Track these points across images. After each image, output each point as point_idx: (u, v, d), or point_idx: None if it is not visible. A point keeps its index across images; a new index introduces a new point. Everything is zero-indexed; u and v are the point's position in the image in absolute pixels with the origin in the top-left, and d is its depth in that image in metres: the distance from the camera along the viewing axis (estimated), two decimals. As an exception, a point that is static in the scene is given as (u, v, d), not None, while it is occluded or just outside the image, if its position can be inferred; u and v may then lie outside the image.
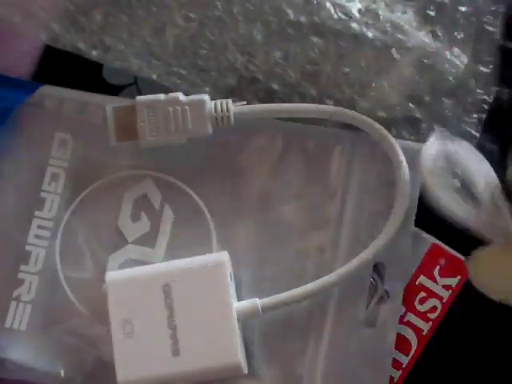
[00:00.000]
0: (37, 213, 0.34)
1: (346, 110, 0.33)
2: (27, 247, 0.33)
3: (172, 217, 0.34)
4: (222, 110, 0.32)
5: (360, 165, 0.33)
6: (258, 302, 0.31)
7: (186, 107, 0.32)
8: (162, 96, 0.32)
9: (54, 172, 0.34)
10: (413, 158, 0.33)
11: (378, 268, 0.33)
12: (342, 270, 0.32)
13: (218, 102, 0.32)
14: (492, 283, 0.32)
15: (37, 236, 0.33)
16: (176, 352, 0.30)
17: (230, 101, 0.32)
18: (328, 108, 0.33)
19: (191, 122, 0.32)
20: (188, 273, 0.31)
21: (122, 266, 0.33)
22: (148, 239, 0.33)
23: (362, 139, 0.33)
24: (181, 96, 0.32)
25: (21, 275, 0.33)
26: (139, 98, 0.32)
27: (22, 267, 0.33)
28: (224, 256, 0.32)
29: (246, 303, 0.31)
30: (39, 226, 0.33)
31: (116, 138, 0.32)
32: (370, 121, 0.33)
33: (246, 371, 0.31)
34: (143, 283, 0.31)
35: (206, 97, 0.32)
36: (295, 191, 0.33)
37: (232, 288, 0.31)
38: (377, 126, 0.33)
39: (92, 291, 0.33)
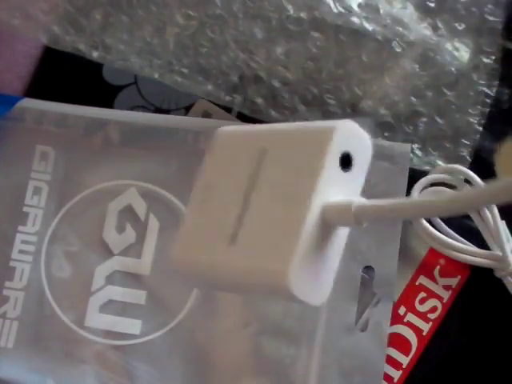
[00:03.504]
0: (20, 227, 0.33)
1: None
2: (11, 263, 0.33)
3: (158, 227, 0.33)
4: None
5: None
6: (353, 202, 0.21)
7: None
8: None
9: (36, 185, 0.33)
10: (401, 159, 0.33)
11: (367, 272, 0.33)
12: None
13: None
14: None
15: (21, 251, 0.33)
16: (234, 238, 0.22)
17: None
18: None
19: None
20: (290, 139, 0.22)
21: (109, 278, 0.33)
22: (134, 250, 0.33)
23: None
24: None
25: (6, 292, 0.33)
26: None
27: (7, 284, 0.33)
28: (339, 125, 0.21)
29: (338, 201, 0.21)
30: (23, 241, 0.33)
31: None
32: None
33: (307, 299, 0.20)
34: (243, 143, 0.24)
35: None
36: None
37: (337, 172, 0.21)
38: None
39: (79, 305, 0.32)
